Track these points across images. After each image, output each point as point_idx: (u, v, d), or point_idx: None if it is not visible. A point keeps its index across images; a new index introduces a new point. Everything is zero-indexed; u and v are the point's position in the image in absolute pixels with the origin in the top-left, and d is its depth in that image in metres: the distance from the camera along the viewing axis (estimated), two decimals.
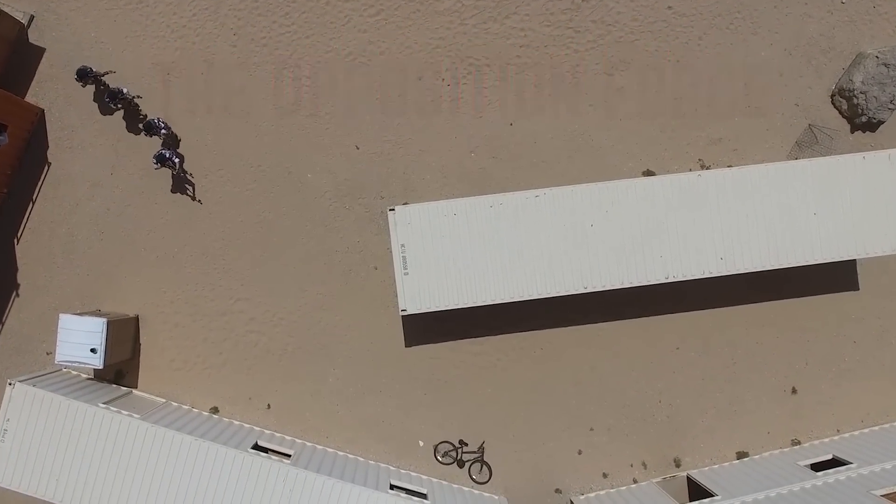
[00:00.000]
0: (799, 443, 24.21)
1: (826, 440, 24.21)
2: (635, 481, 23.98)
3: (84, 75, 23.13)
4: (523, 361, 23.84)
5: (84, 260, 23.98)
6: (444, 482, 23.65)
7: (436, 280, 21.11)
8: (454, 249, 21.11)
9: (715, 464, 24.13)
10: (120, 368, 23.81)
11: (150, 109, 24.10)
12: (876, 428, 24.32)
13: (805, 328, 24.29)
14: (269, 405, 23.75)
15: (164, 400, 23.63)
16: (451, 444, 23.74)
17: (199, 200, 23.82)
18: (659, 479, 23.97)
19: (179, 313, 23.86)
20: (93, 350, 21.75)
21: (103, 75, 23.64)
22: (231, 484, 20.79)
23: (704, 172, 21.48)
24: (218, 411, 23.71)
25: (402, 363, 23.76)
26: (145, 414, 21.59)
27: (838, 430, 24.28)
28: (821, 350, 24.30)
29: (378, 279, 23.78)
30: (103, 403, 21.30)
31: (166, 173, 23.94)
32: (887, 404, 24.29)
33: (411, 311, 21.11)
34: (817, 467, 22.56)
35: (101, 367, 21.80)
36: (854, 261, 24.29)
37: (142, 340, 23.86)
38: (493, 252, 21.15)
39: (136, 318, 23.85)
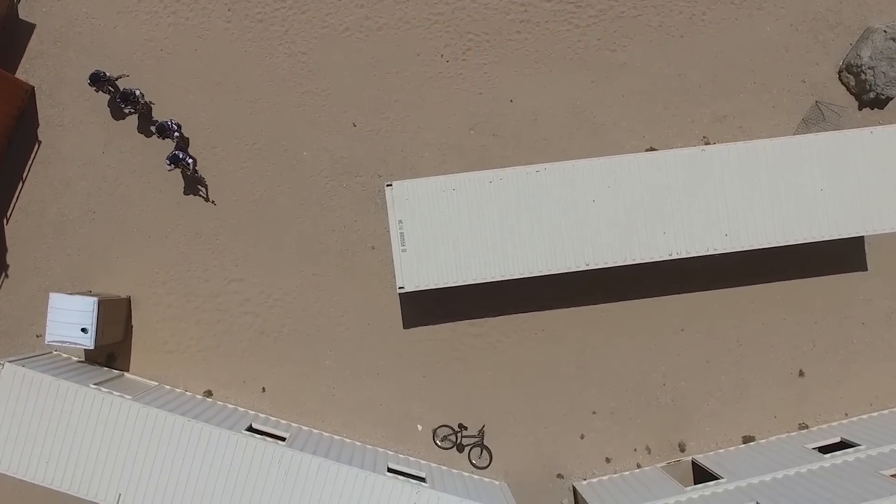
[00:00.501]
0: (807, 427, 24.15)
1: (834, 424, 24.13)
2: (639, 466, 23.92)
3: (97, 80, 23.04)
4: (524, 343, 23.81)
5: (75, 240, 23.96)
6: (443, 467, 23.59)
7: (434, 257, 21.08)
8: (453, 225, 21.08)
9: (720, 448, 24.06)
10: (111, 351, 23.78)
11: (145, 86, 24.06)
12: (885, 411, 24.25)
13: (812, 309, 24.26)
14: (263, 388, 23.71)
15: (156, 383, 23.56)
16: (450, 427, 23.69)
17: (213, 202, 23.81)
18: (663, 464, 23.93)
19: (172, 294, 23.84)
20: (83, 330, 21.74)
21: (117, 79, 23.54)
22: (225, 466, 20.72)
23: (709, 147, 21.47)
24: (212, 395, 23.68)
25: (400, 345, 23.74)
26: (137, 395, 21.54)
27: (847, 414, 24.23)
28: (828, 332, 24.27)
29: (376, 259, 23.76)
30: (94, 384, 21.23)
31: (176, 173, 24.11)
32: None
33: (409, 288, 21.07)
34: (825, 451, 22.48)
35: (91, 347, 21.76)
36: (862, 240, 24.27)
37: (134, 322, 23.85)
38: (493, 228, 21.12)
39: (128, 300, 23.83)
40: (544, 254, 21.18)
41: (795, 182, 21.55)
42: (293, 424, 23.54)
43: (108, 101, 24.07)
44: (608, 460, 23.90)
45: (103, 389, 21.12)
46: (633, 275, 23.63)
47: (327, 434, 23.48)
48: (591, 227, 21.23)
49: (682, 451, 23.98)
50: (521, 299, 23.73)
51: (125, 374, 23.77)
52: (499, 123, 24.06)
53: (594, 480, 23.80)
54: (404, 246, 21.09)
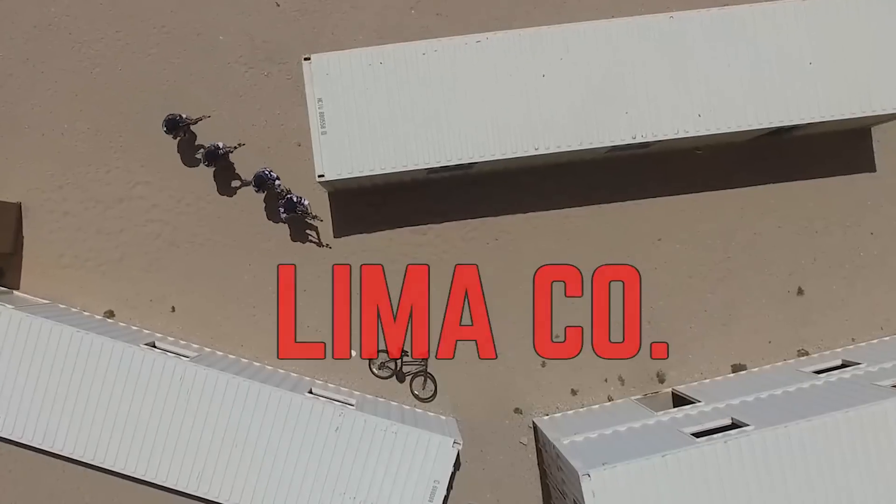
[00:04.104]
0: (806, 353, 24.14)
1: (839, 350, 24.06)
2: (610, 399, 23.98)
3: (174, 126, 23.00)
4: (475, 254, 23.96)
5: None
6: (380, 399, 23.72)
7: (359, 141, 21.29)
8: (381, 104, 21.30)
9: (706, 379, 24.04)
10: None
11: None
12: None
13: (812, 217, 24.35)
14: (173, 308, 23.99)
15: (47, 301, 23.85)
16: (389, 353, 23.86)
17: (328, 245, 23.94)
18: (639, 397, 23.94)
19: (69, 200, 24.18)
20: None
21: (196, 122, 23.70)
22: (119, 384, 21.01)
23: (678, 13, 21.67)
24: (114, 315, 23.95)
25: (331, 256, 23.93)
26: (20, 306, 21.88)
27: (853, 339, 24.24)
28: (831, 243, 24.36)
29: (301, 157, 24.00)
30: None
31: None
32: None
33: (330, 176, 21.31)
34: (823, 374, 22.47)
35: None
36: (870, 135, 24.36)
37: (25, 233, 24.16)
38: (427, 107, 21.31)
39: (19, 206, 24.15)
40: (486, 136, 21.34)
41: (780, 55, 21.67)
42: (206, 349, 23.74)
43: (178, 145, 24.14)
44: (574, 392, 24.00)
45: None
46: (602, 174, 23.84)
47: (245, 360, 23.65)
48: (540, 105, 21.40)
49: (662, 381, 24.06)
50: (470, 203, 23.96)
51: (14, 292, 24.07)
52: (444, 1, 24.36)
53: (557, 415, 23.85)
54: (324, 128, 21.33)
